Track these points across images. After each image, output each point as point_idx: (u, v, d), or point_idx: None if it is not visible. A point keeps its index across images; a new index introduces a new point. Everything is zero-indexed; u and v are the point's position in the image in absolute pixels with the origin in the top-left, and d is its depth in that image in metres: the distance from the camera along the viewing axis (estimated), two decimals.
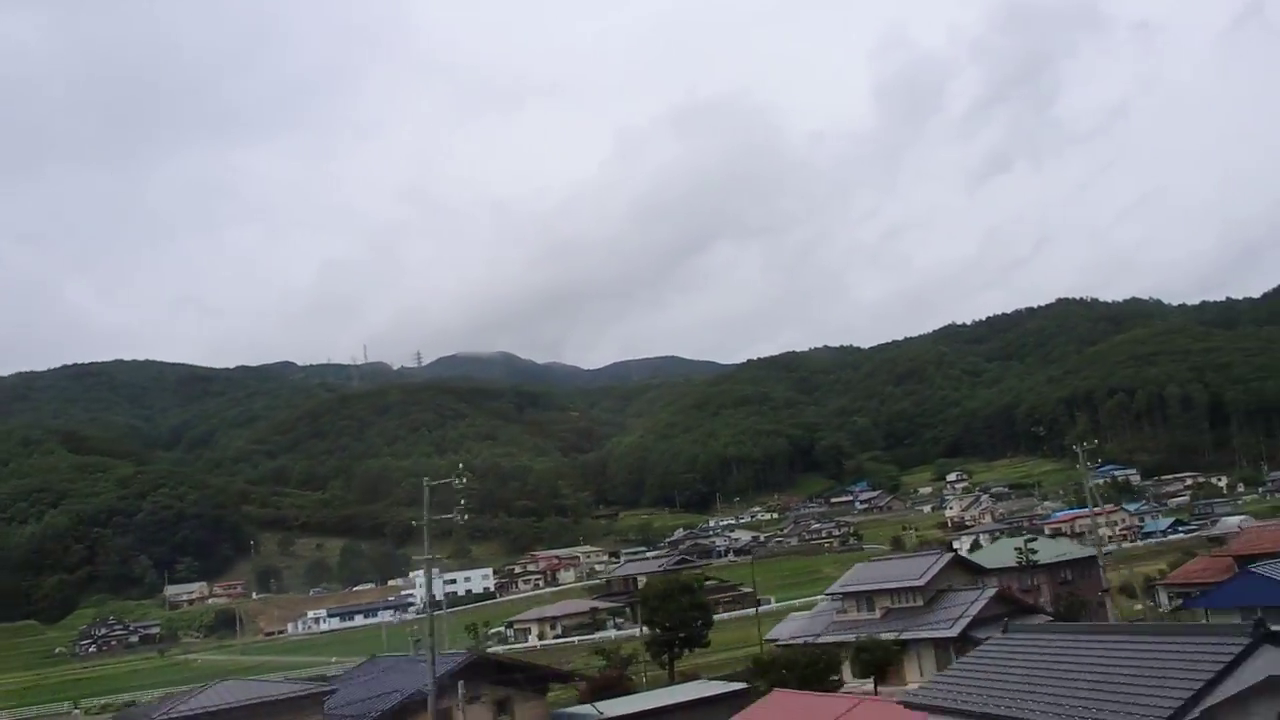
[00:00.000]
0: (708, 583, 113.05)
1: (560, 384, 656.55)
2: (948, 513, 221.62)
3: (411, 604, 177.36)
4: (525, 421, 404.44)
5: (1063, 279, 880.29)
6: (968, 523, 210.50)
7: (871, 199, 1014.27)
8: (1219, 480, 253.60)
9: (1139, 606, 71.62)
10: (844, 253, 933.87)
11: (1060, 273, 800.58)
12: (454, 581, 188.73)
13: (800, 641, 59.98)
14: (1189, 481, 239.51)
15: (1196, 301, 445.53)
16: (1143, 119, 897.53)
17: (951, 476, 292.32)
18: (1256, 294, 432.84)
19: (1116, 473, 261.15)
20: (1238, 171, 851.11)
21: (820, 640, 58.97)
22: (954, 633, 52.59)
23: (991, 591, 56.54)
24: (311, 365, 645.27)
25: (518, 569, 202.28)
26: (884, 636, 55.21)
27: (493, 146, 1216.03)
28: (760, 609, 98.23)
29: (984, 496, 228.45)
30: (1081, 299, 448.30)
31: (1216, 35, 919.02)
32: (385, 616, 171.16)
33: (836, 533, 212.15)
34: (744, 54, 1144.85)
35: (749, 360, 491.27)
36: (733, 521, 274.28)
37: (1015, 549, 73.37)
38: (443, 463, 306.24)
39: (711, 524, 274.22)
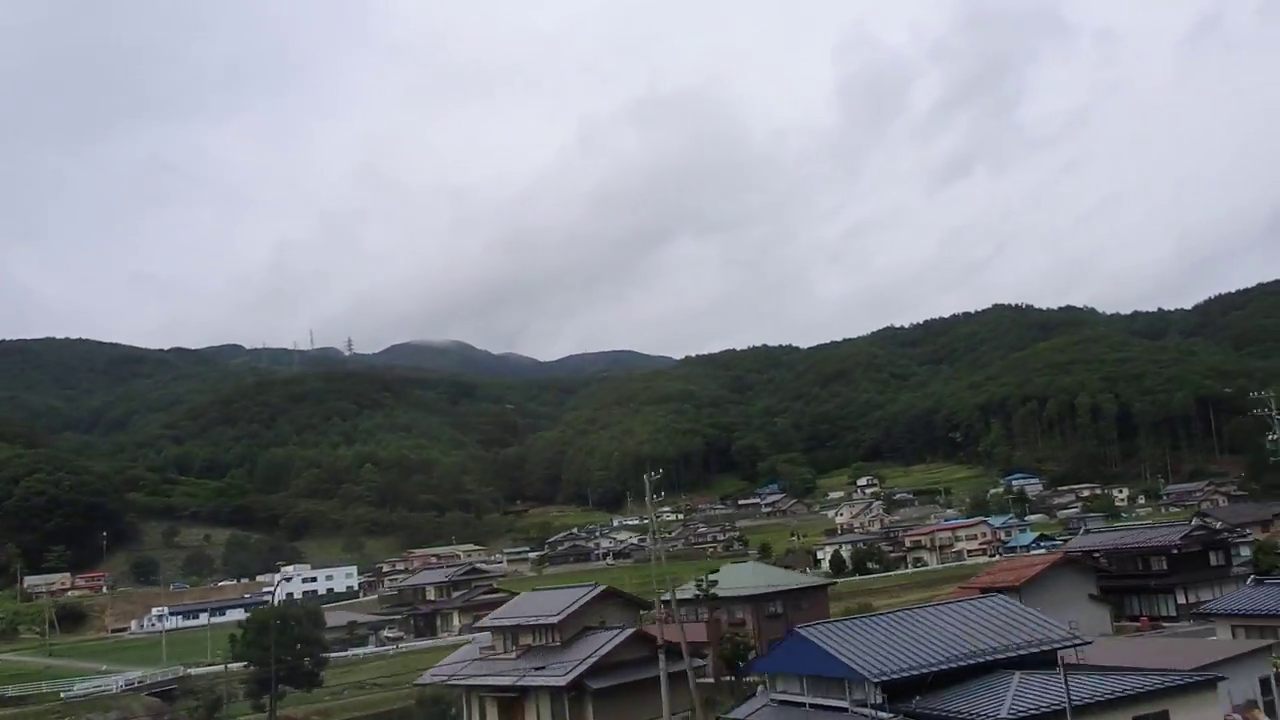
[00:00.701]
0: (496, 594, 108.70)
1: (514, 375, 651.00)
2: (837, 519, 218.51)
3: (265, 601, 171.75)
4: (453, 413, 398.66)
5: (1019, 284, 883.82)
6: (856, 529, 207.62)
7: (832, 198, 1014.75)
8: (1120, 492, 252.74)
9: None
10: (804, 251, 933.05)
11: (1017, 277, 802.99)
12: (314, 580, 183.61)
13: (442, 681, 55.54)
14: (1085, 493, 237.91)
15: (1130, 311, 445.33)
16: (1103, 126, 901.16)
17: (863, 481, 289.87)
18: (1197, 303, 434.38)
19: (1017, 482, 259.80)
20: (1193, 181, 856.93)
21: (457, 682, 54.53)
22: (563, 680, 48.17)
23: (629, 631, 52.14)
24: (260, 349, 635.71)
25: (386, 568, 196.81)
26: (504, 681, 50.89)
27: (454, 132, 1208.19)
28: None
29: (876, 504, 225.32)
30: (1017, 305, 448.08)
31: (1176, 45, 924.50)
32: (235, 615, 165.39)
33: (722, 537, 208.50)
34: (709, 47, 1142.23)
35: (686, 357, 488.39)
36: (636, 522, 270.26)
37: (695, 580, 68.02)
38: (348, 453, 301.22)
39: (616, 522, 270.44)
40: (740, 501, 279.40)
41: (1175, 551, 70.18)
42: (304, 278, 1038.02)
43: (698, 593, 63.99)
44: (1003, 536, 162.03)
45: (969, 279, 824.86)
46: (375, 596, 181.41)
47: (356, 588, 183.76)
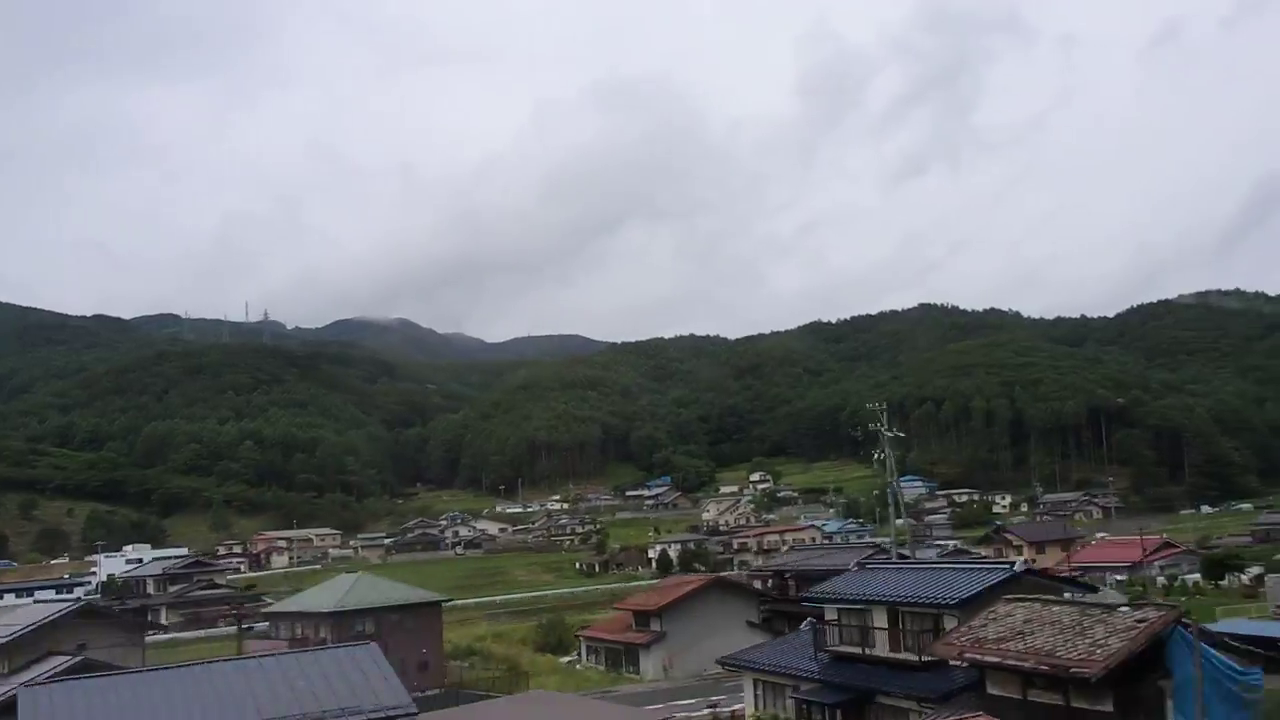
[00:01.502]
0: (218, 590, 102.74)
1: (459, 356, 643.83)
2: (705, 515, 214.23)
3: (84, 584, 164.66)
4: (365, 392, 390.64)
5: (962, 285, 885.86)
6: (722, 527, 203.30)
7: (787, 191, 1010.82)
8: (1003, 499, 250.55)
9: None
10: (755, 243, 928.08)
11: (960, 279, 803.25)
12: (140, 562, 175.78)
13: None
14: (964, 499, 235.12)
15: (1053, 317, 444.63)
16: (1059, 132, 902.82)
17: (755, 476, 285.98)
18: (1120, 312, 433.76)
19: (904, 484, 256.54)
20: (1146, 192, 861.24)
21: None
22: None
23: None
24: (195, 320, 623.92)
25: (222, 550, 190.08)
26: None
27: (408, 108, 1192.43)
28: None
29: (743, 500, 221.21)
30: (943, 305, 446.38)
31: (1137, 53, 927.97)
32: (45, 596, 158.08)
33: (580, 530, 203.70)
34: (668, 34, 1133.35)
35: (610, 345, 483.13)
36: (519, 509, 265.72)
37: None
38: (232, 429, 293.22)
39: (499, 509, 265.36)
40: (628, 493, 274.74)
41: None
42: (250, 250, 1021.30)
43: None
44: (838, 542, 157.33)
45: (914, 278, 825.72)
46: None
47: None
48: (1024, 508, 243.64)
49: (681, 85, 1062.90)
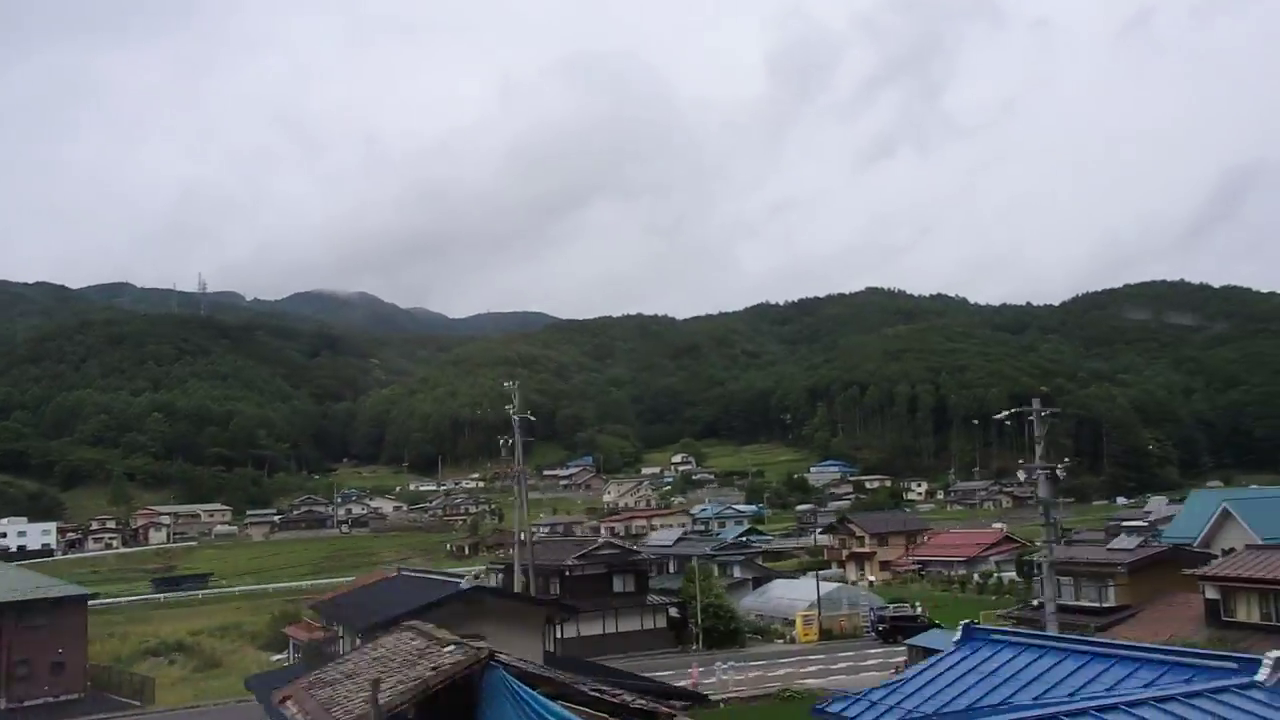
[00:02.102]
0: None
1: (420, 330, 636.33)
2: (605, 497, 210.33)
3: None
4: (301, 365, 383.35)
5: (918, 269, 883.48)
6: (620, 509, 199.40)
7: (753, 172, 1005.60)
8: (919, 486, 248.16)
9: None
10: (723, 223, 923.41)
11: (920, 263, 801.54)
12: (3, 536, 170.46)
13: None
14: (874, 485, 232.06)
15: (999, 303, 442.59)
16: (1029, 119, 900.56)
17: (678, 458, 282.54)
18: (1064, 300, 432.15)
19: (823, 470, 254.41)
20: (1114, 181, 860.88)
21: None
22: None
23: None
24: (154, 290, 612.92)
25: (95, 525, 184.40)
26: None
27: (373, 77, 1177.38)
28: None
29: (645, 483, 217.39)
30: (888, 289, 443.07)
31: (1109, 40, 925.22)
32: None
33: (474, 509, 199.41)
34: (637, 10, 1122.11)
35: (555, 322, 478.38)
36: (439, 486, 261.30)
37: None
38: (143, 400, 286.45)
39: (413, 486, 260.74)
40: (545, 472, 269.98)
41: (567, 574, 61.26)
42: (210, 219, 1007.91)
43: None
44: (716, 528, 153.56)
45: (876, 262, 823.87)
46: (73, 556, 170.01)
47: (54, 546, 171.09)
48: (940, 495, 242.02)
49: (650, 62, 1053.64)
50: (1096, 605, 50.12)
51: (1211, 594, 42.54)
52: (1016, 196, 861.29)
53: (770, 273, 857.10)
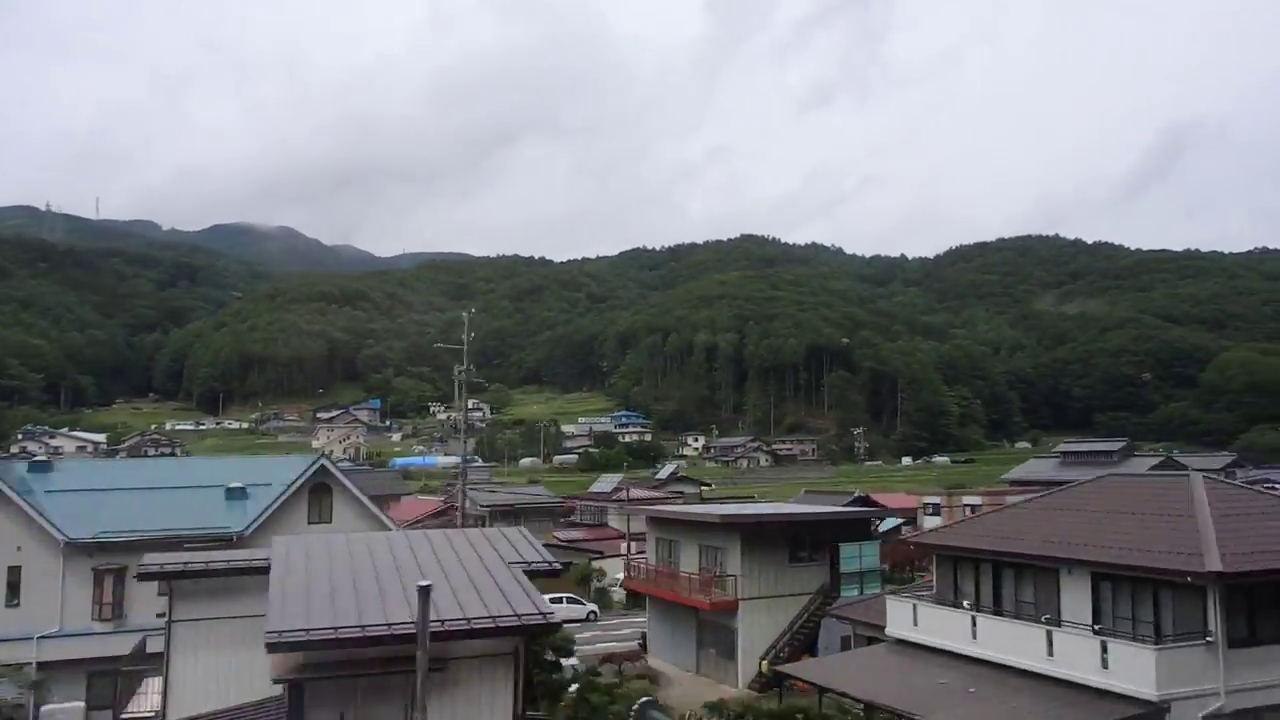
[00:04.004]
0: None
1: (342, 268, 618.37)
2: (314, 443, 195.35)
3: None
4: (113, 293, 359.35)
5: (839, 221, 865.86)
6: (335, 456, 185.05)
7: (687, 114, 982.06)
8: (695, 439, 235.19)
9: None
10: (656, 165, 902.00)
11: (871, 219, 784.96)
12: None
13: None
14: (633, 438, 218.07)
15: (871, 254, 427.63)
16: (968, 71, 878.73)
17: (472, 404, 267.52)
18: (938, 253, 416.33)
19: (610, 420, 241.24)
20: (1047, 137, 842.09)
21: None
22: None
23: None
24: (66, 215, 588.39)
25: None
26: None
27: (303, 3, 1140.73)
28: None
29: (358, 430, 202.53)
30: (764, 236, 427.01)
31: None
32: None
33: (165, 452, 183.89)
34: None
35: (423, 261, 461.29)
36: (214, 425, 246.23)
37: None
38: None
39: (196, 424, 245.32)
40: (319, 415, 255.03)
41: None
42: (128, 144, 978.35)
43: None
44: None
45: (814, 212, 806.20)
46: None
47: None
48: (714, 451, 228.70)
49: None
50: None
51: None
52: (959, 149, 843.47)
53: (704, 217, 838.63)
